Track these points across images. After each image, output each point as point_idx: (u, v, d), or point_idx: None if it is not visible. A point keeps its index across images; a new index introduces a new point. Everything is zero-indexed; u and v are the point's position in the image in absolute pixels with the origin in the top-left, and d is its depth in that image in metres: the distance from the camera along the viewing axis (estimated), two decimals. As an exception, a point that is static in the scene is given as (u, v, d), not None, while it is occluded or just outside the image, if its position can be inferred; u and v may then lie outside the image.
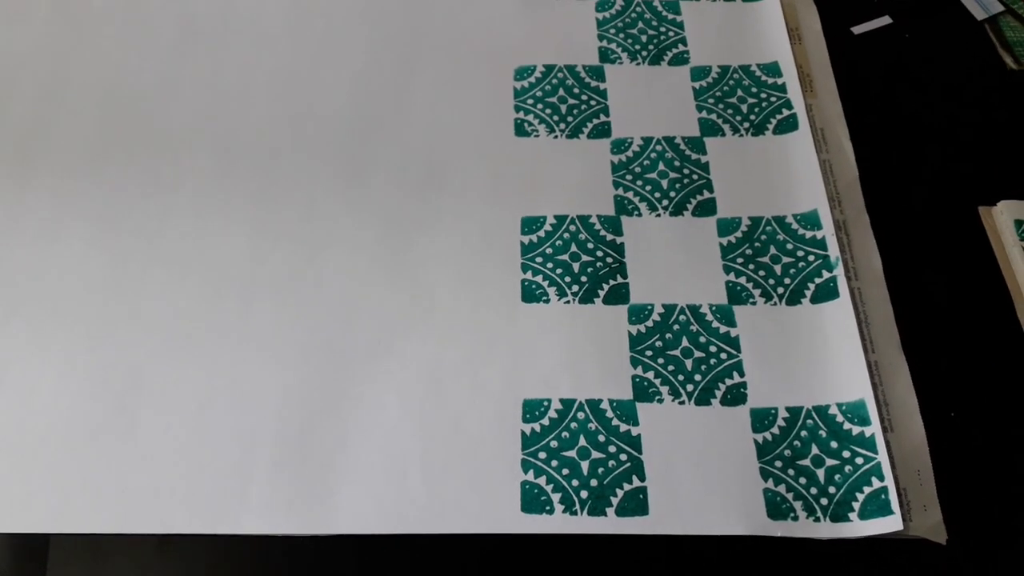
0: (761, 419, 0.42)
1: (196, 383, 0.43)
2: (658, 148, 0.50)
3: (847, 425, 0.42)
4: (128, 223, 0.47)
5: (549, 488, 0.40)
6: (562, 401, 0.42)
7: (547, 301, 0.45)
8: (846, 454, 0.41)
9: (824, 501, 0.40)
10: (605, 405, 0.42)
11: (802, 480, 0.41)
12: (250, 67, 0.53)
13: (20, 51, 0.53)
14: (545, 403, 0.42)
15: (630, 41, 0.54)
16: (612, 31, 0.55)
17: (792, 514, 0.40)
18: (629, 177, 0.49)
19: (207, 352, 0.43)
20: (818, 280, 0.46)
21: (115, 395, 0.42)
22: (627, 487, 0.40)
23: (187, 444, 0.41)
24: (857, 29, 0.56)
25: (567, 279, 0.46)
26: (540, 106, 0.52)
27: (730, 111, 0.52)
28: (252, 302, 0.45)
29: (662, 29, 0.55)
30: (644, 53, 0.54)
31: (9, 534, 0.39)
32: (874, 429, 0.41)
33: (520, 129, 0.51)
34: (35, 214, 0.47)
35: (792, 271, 0.46)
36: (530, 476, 0.40)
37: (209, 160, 0.49)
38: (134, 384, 0.42)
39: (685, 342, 0.44)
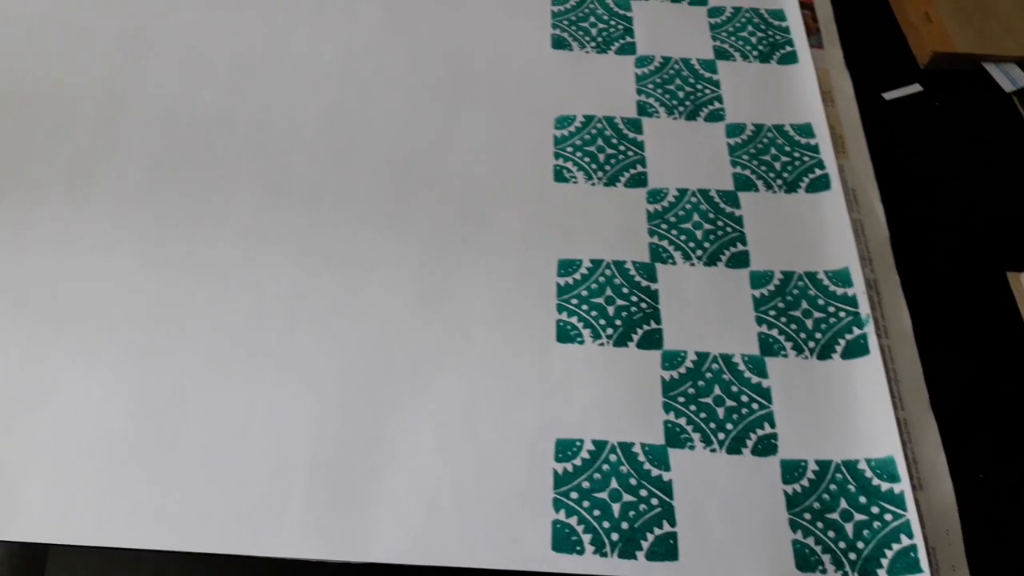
0: (791, 470, 0.42)
1: (236, 406, 0.43)
2: (693, 200, 0.51)
3: (876, 481, 0.42)
4: (177, 248, 0.48)
5: (580, 528, 0.40)
6: (594, 442, 0.43)
7: (581, 342, 0.46)
8: (875, 510, 0.41)
9: (852, 556, 0.40)
10: (637, 449, 0.43)
11: (831, 533, 0.41)
12: (300, 105, 0.54)
13: (84, 80, 0.55)
14: (578, 443, 0.43)
15: (667, 96, 0.56)
16: (650, 86, 0.56)
17: (820, 567, 0.40)
18: (664, 226, 0.50)
19: (249, 376, 0.44)
20: (849, 336, 0.47)
21: (157, 414, 0.43)
22: (657, 532, 0.40)
23: (225, 465, 0.41)
24: (888, 95, 0.58)
25: (602, 322, 0.47)
26: (579, 154, 0.53)
27: (764, 168, 0.53)
28: (294, 330, 0.46)
29: (699, 86, 0.57)
30: (681, 108, 0.55)
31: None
32: (903, 486, 0.42)
33: (559, 175, 0.52)
34: (90, 235, 0.48)
35: (823, 326, 0.47)
36: (561, 515, 0.41)
37: (257, 192, 0.50)
38: (176, 404, 0.43)
39: (717, 390, 0.45)
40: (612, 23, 0.60)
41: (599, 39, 0.59)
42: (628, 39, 0.59)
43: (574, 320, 0.47)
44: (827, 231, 0.50)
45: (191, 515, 0.40)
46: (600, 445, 0.43)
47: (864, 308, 0.47)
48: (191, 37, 0.57)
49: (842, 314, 0.47)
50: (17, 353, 0.44)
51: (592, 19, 0.60)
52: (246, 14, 0.58)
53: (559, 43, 0.58)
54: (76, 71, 0.55)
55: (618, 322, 0.47)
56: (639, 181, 0.52)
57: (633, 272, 0.48)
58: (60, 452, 0.42)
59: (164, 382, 0.44)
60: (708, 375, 0.45)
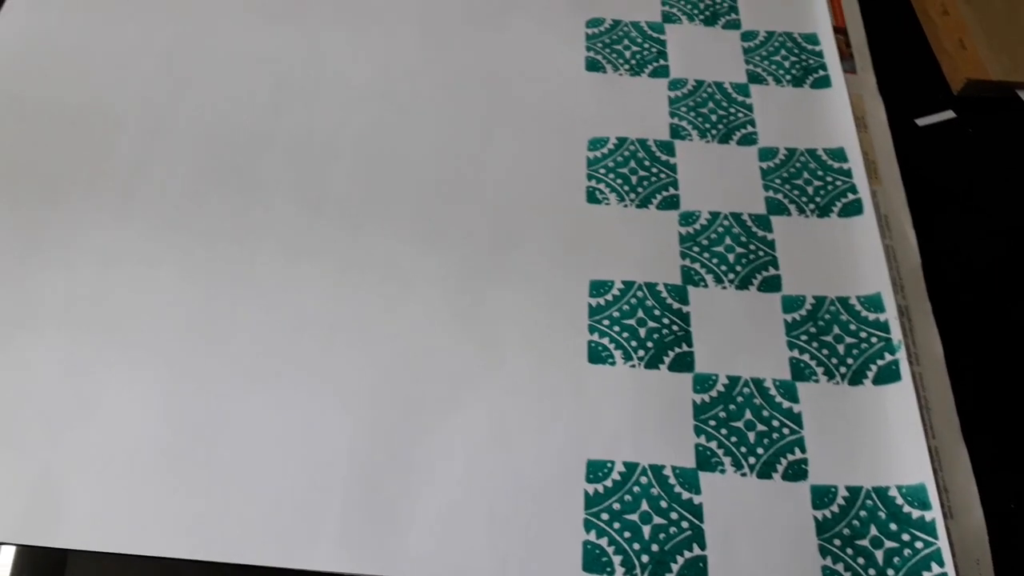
0: (821, 496, 0.43)
1: (274, 419, 0.44)
2: (725, 223, 0.52)
3: (907, 508, 0.42)
4: (218, 263, 0.49)
5: (611, 550, 0.41)
6: (625, 464, 0.43)
7: (613, 363, 0.46)
8: (906, 537, 0.41)
9: (882, 583, 0.40)
10: (668, 471, 0.43)
11: (860, 560, 0.41)
12: (338, 123, 0.55)
13: (129, 98, 0.56)
14: (609, 465, 0.43)
15: (700, 119, 0.56)
16: (683, 109, 0.57)
17: (850, 594, 0.40)
18: (696, 249, 0.51)
19: (286, 391, 0.45)
20: (880, 362, 0.47)
21: (197, 425, 0.44)
22: (687, 555, 0.41)
23: (262, 478, 0.42)
24: (921, 121, 0.58)
25: (633, 343, 0.47)
26: (612, 176, 0.54)
27: (796, 192, 0.53)
28: (330, 346, 0.46)
29: (731, 110, 0.57)
30: (714, 132, 0.56)
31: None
32: (935, 514, 0.42)
33: (592, 196, 0.53)
34: (134, 250, 0.49)
35: (855, 352, 0.47)
36: (592, 536, 0.41)
37: (296, 209, 0.51)
38: (215, 416, 0.44)
39: (748, 415, 0.45)
40: (646, 46, 0.60)
41: (633, 62, 0.59)
42: (661, 62, 0.59)
43: (605, 341, 0.47)
44: (859, 256, 0.51)
45: (228, 527, 0.41)
46: (631, 467, 0.43)
47: (896, 334, 0.47)
48: (234, 55, 0.58)
49: (874, 340, 0.47)
50: (63, 363, 0.45)
51: (626, 42, 0.60)
52: (288, 33, 0.60)
53: (593, 65, 0.59)
54: (122, 89, 0.57)
55: (649, 344, 0.47)
56: (671, 203, 0.53)
57: (665, 294, 0.49)
58: (103, 461, 0.43)
59: (204, 394, 0.45)
60: (739, 399, 0.45)
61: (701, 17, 0.62)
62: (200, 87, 0.57)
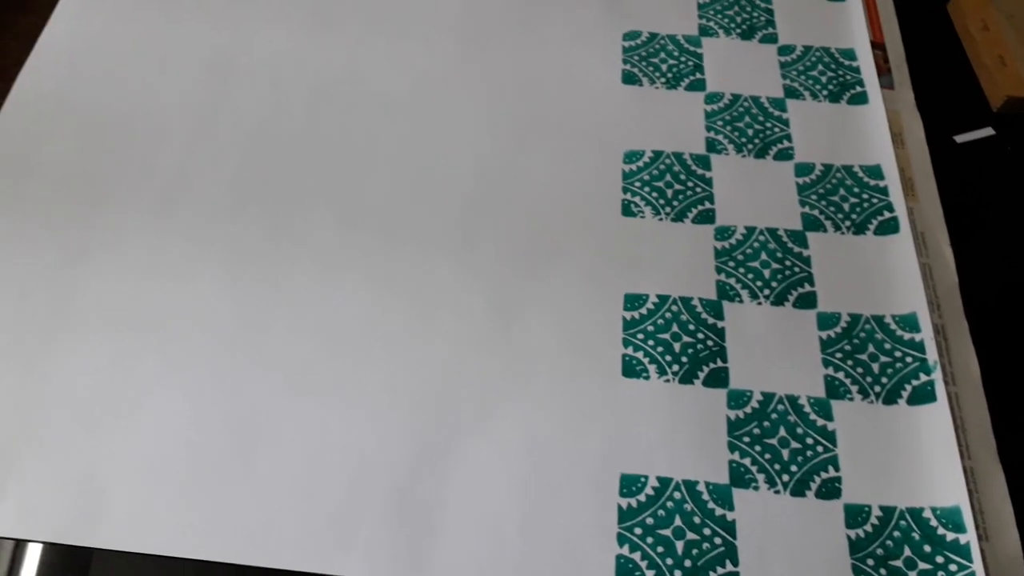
0: (855, 515, 0.43)
1: (310, 426, 0.45)
2: (761, 238, 0.52)
3: (941, 531, 0.42)
4: (256, 271, 0.50)
5: (644, 564, 0.41)
6: (659, 479, 0.43)
7: (647, 378, 0.47)
8: (939, 559, 0.41)
9: (916, 605, 0.40)
10: (702, 487, 0.43)
11: (894, 581, 0.41)
12: (376, 134, 0.56)
13: (172, 106, 0.57)
14: (642, 479, 0.43)
15: (736, 133, 0.56)
16: (719, 123, 0.57)
17: (883, 615, 0.40)
18: (732, 264, 0.51)
19: (322, 398, 0.46)
20: (915, 382, 0.46)
21: (234, 432, 0.44)
22: (720, 571, 0.41)
23: (299, 485, 0.43)
24: (960, 138, 0.58)
25: (667, 358, 0.47)
26: (647, 189, 0.54)
27: (832, 208, 0.53)
28: (367, 355, 0.47)
29: (768, 124, 0.57)
30: (750, 146, 0.56)
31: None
32: (969, 537, 0.41)
33: (627, 209, 0.53)
34: (174, 256, 0.50)
35: (890, 371, 0.47)
36: (625, 550, 0.41)
37: (334, 218, 0.52)
38: (253, 423, 0.45)
39: (782, 432, 0.45)
40: (682, 59, 0.60)
41: (669, 75, 0.59)
42: (698, 75, 0.59)
43: (640, 355, 0.47)
44: (895, 275, 0.50)
45: (262, 531, 0.42)
46: (665, 482, 0.43)
47: (932, 354, 0.47)
48: (275, 65, 0.59)
49: (909, 359, 0.47)
50: (108, 367, 0.46)
51: (662, 55, 0.60)
52: (328, 43, 0.60)
53: (629, 78, 0.59)
54: (165, 97, 0.58)
55: (684, 359, 0.47)
56: (707, 218, 0.53)
57: (700, 309, 0.49)
58: (143, 465, 0.43)
59: (242, 401, 0.45)
60: (773, 416, 0.45)
61: (738, 31, 0.62)
62: (241, 96, 0.58)
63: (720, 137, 0.56)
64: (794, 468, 0.44)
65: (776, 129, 0.57)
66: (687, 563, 0.41)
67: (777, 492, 0.43)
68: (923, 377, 0.47)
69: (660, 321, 0.49)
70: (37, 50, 0.60)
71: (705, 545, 0.41)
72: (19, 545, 0.42)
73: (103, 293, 0.49)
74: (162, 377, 0.46)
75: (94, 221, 0.52)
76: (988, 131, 0.58)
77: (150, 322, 0.48)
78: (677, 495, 0.43)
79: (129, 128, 0.56)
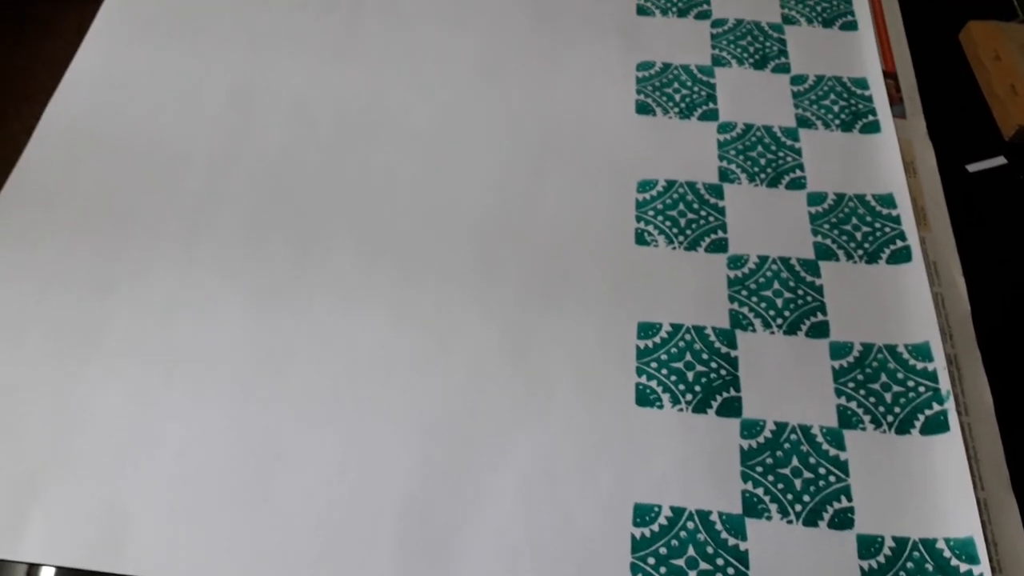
0: (867, 546, 0.43)
1: (330, 453, 0.45)
2: (773, 267, 0.52)
3: (955, 562, 0.42)
4: (278, 301, 0.51)
5: (657, 594, 0.41)
6: (672, 508, 0.44)
7: (660, 407, 0.47)
8: (953, 591, 0.41)
9: (929, 637, 0.40)
10: (715, 517, 0.43)
11: (907, 612, 0.41)
12: (395, 164, 0.57)
13: (197, 134, 0.58)
14: (656, 509, 0.44)
15: (749, 163, 0.57)
16: (732, 152, 0.58)
17: (896, 646, 0.40)
18: (744, 293, 0.51)
19: (342, 425, 0.46)
20: (928, 412, 0.47)
21: (255, 460, 0.45)
22: (733, 601, 0.41)
23: (318, 511, 0.44)
24: (972, 167, 0.58)
25: (681, 387, 0.48)
26: (660, 218, 0.55)
27: (844, 237, 0.54)
28: (386, 381, 0.48)
29: (780, 154, 0.58)
30: (762, 175, 0.57)
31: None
32: (983, 568, 0.42)
33: (640, 238, 0.54)
34: (198, 287, 0.51)
35: (902, 400, 0.47)
36: (638, 580, 0.42)
37: (355, 246, 0.53)
38: (273, 451, 0.46)
39: (795, 461, 0.45)
40: (695, 89, 0.61)
41: (682, 105, 0.60)
42: (711, 105, 0.60)
43: (653, 384, 0.48)
44: (908, 304, 0.51)
45: (283, 556, 0.42)
46: (678, 511, 0.44)
47: (944, 384, 0.47)
48: (297, 96, 0.61)
49: (922, 389, 0.48)
50: (133, 395, 0.47)
51: (676, 85, 0.61)
52: (349, 75, 0.62)
53: (643, 108, 0.60)
54: (189, 127, 0.59)
55: (697, 388, 0.48)
56: (720, 246, 0.53)
57: (713, 338, 0.49)
58: (167, 491, 0.44)
59: (263, 428, 0.46)
60: (786, 445, 0.46)
61: (751, 61, 0.63)
62: (264, 127, 0.59)
63: (733, 166, 0.57)
64: (807, 498, 0.44)
65: (788, 158, 0.57)
66: (700, 593, 0.41)
67: (790, 522, 0.43)
68: (936, 407, 0.47)
69: (673, 350, 0.49)
70: (65, 82, 0.61)
71: (718, 575, 0.42)
72: (32, 569, 0.43)
73: (129, 324, 0.50)
74: (185, 405, 0.47)
75: (120, 252, 0.53)
76: (1000, 160, 0.59)
77: (174, 352, 0.49)
78: (690, 525, 0.43)
79: (154, 159, 0.57)
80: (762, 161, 0.57)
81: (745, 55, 0.63)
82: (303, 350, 0.49)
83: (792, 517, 0.44)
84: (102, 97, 0.60)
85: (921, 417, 0.47)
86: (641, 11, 0.66)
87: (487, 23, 0.65)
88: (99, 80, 0.61)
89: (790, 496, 0.44)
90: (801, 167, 0.57)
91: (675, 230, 0.54)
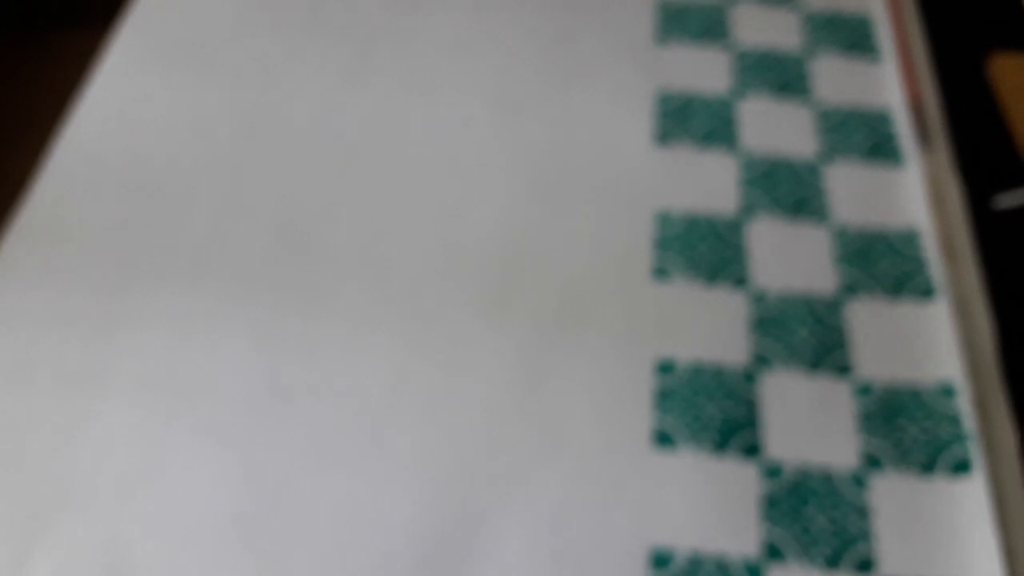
0: (890, 592, 0.42)
1: (337, 491, 0.45)
2: (795, 303, 0.52)
3: (979, 609, 0.41)
4: (286, 333, 0.51)
5: (673, 640, 0.41)
6: (690, 552, 0.43)
7: (677, 447, 0.46)
8: (978, 641, 0.40)
9: None
10: (733, 561, 0.43)
11: (930, 662, 0.40)
12: (406, 195, 0.57)
13: (205, 165, 0.59)
14: (672, 553, 0.43)
15: (770, 196, 0.57)
16: (753, 185, 0.57)
17: None
18: (765, 329, 0.51)
19: (349, 462, 0.46)
20: (952, 454, 0.46)
21: (262, 498, 0.45)
22: (751, 649, 0.40)
23: (325, 550, 0.43)
24: (998, 202, 0.57)
25: (698, 427, 0.47)
26: (678, 252, 0.54)
27: (868, 273, 0.53)
28: (395, 422, 0.47)
29: (802, 186, 0.57)
30: (784, 208, 0.56)
31: None
32: (1008, 617, 0.41)
33: (658, 272, 0.53)
34: (205, 322, 0.51)
35: (925, 441, 0.46)
36: (655, 625, 0.41)
37: (363, 280, 0.53)
38: (280, 489, 0.45)
39: (816, 504, 0.44)
40: (715, 120, 0.61)
41: (701, 136, 0.60)
42: (731, 136, 0.60)
43: (670, 423, 0.47)
44: (932, 342, 0.50)
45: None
46: (695, 556, 0.43)
47: (969, 425, 0.46)
48: (307, 127, 0.61)
49: (946, 430, 0.47)
50: (139, 433, 0.47)
51: (695, 115, 0.61)
52: (360, 105, 0.62)
53: (661, 139, 0.60)
54: (199, 157, 0.59)
55: (716, 428, 0.47)
56: (739, 281, 0.53)
57: (732, 376, 0.49)
58: (172, 529, 0.44)
59: (270, 464, 0.46)
60: (807, 487, 0.45)
61: (773, 91, 0.62)
62: (274, 157, 0.59)
63: (753, 199, 0.56)
64: (828, 541, 0.43)
65: (810, 191, 0.57)
66: (717, 640, 0.41)
67: (810, 567, 0.43)
68: (960, 449, 0.46)
69: (691, 388, 0.48)
70: (75, 116, 0.62)
71: (736, 621, 0.41)
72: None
73: (135, 360, 0.50)
74: (191, 443, 0.47)
75: (128, 288, 0.53)
76: (1028, 194, 0.58)
77: (181, 388, 0.49)
78: (708, 569, 0.42)
79: (162, 192, 0.57)
80: (783, 193, 0.57)
81: (767, 85, 0.62)
82: (311, 388, 0.49)
83: (813, 561, 0.43)
84: (112, 131, 0.61)
85: (945, 459, 0.46)
86: (660, 39, 0.66)
87: (502, 51, 0.65)
88: (109, 114, 0.62)
89: (810, 539, 0.43)
90: (823, 200, 0.56)
91: (694, 264, 0.54)
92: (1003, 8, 0.69)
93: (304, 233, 0.55)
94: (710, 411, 0.48)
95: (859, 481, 0.45)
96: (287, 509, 0.45)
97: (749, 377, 0.49)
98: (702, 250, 0.54)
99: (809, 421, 0.47)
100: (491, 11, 0.67)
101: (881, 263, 0.53)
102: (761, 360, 0.49)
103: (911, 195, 0.56)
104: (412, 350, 0.50)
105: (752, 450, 0.46)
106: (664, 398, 0.48)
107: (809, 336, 0.50)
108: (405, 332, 0.51)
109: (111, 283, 0.53)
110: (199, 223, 0.56)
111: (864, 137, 0.59)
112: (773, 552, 0.43)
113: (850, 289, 0.52)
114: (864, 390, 0.48)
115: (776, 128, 0.60)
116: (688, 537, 0.43)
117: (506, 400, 0.48)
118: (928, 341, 0.50)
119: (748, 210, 0.56)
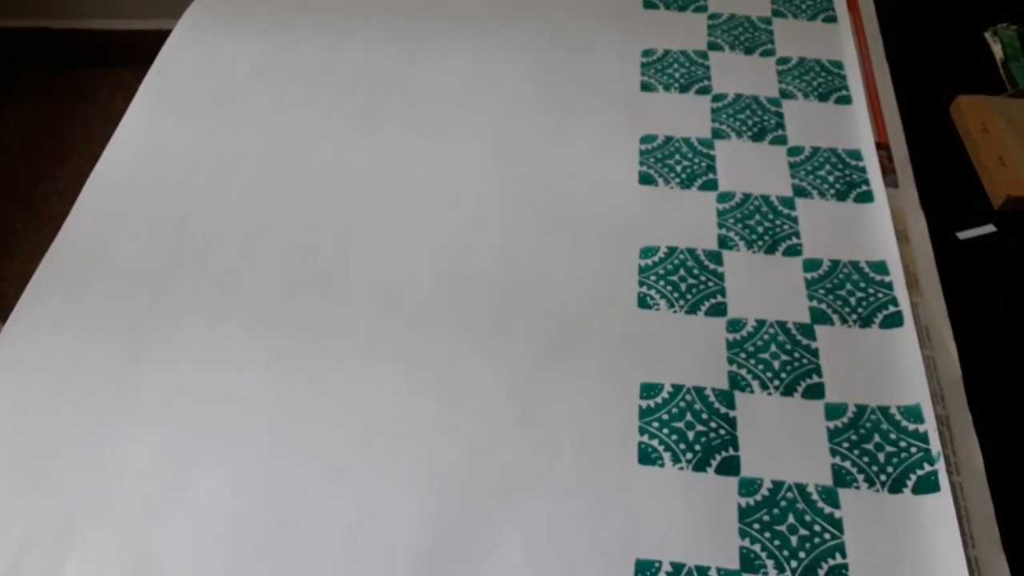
0: (861, 602, 0.44)
1: (348, 509, 0.48)
2: (771, 331, 0.55)
3: (946, 618, 0.44)
4: (303, 362, 0.54)
5: (657, 647, 0.43)
6: (673, 564, 0.46)
7: (662, 465, 0.49)
8: (945, 647, 0.43)
9: None
10: (713, 573, 0.45)
11: (900, 668, 0.42)
12: (413, 232, 0.61)
13: (228, 203, 0.62)
14: (656, 564, 0.46)
15: (747, 231, 0.60)
16: (731, 220, 0.61)
17: None
18: (743, 355, 0.54)
19: (360, 481, 0.49)
20: (920, 472, 0.49)
21: (277, 512, 0.48)
22: (731, 654, 0.43)
23: (338, 563, 0.46)
24: (962, 235, 0.61)
25: (682, 446, 0.50)
26: (662, 283, 0.57)
27: (839, 303, 0.56)
28: (401, 440, 0.50)
29: (777, 222, 0.61)
30: (760, 243, 0.59)
31: None
32: (973, 625, 0.43)
33: (643, 302, 0.57)
34: (226, 348, 0.55)
35: (895, 460, 0.49)
36: (640, 633, 0.43)
37: (374, 311, 0.56)
38: (294, 504, 0.48)
39: (791, 519, 0.47)
40: (695, 161, 0.64)
41: (683, 175, 0.63)
42: (710, 176, 0.63)
43: (655, 443, 0.50)
44: (900, 367, 0.53)
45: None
46: (678, 567, 0.45)
47: (936, 445, 0.49)
48: (323, 167, 0.65)
49: (914, 450, 0.49)
50: (163, 450, 0.50)
51: (677, 157, 0.65)
52: (371, 146, 0.66)
53: (646, 179, 0.63)
54: (222, 197, 0.63)
55: (697, 447, 0.50)
56: (719, 310, 0.56)
57: (712, 399, 0.52)
58: (194, 541, 0.47)
59: (285, 482, 0.49)
60: (783, 503, 0.48)
61: (749, 133, 0.66)
62: (292, 195, 0.63)
63: (732, 234, 0.60)
64: (802, 554, 0.46)
65: (785, 226, 0.60)
66: (699, 646, 0.43)
67: (786, 578, 0.45)
68: (927, 467, 0.49)
69: (674, 410, 0.51)
70: (104, 157, 0.66)
71: (716, 629, 0.44)
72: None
73: (160, 382, 0.53)
74: (212, 460, 0.50)
75: (154, 314, 0.56)
76: (989, 228, 0.61)
77: (203, 409, 0.52)
78: (690, 579, 0.45)
79: (189, 227, 0.61)
80: (760, 229, 0.60)
81: (744, 128, 0.66)
82: (324, 410, 0.52)
83: (788, 573, 0.45)
84: (140, 170, 0.65)
85: (913, 477, 0.49)
86: (645, 87, 0.70)
87: (500, 99, 0.69)
88: (137, 153, 0.66)
89: (786, 552, 0.46)
90: (797, 235, 0.60)
91: (676, 294, 0.57)
92: (966, 53, 0.73)
93: (319, 267, 0.59)
94: (692, 431, 0.50)
95: (832, 497, 0.48)
96: (298, 523, 0.47)
97: (728, 400, 0.52)
98: (684, 281, 0.58)
99: (784, 440, 0.50)
100: (491, 62, 0.72)
101: (852, 293, 0.57)
102: (739, 384, 0.52)
103: (880, 229, 0.60)
104: (417, 375, 0.53)
105: (731, 468, 0.49)
106: (649, 419, 0.51)
107: (784, 362, 0.53)
108: (411, 359, 0.54)
109: (139, 312, 0.56)
110: (222, 257, 0.59)
111: (836, 176, 0.63)
112: (750, 564, 0.46)
113: (822, 317, 0.55)
114: (836, 412, 0.51)
115: (753, 168, 0.64)
116: (671, 550, 0.46)
117: (502, 421, 0.51)
118: (896, 366, 0.53)
119: (726, 244, 0.59)
